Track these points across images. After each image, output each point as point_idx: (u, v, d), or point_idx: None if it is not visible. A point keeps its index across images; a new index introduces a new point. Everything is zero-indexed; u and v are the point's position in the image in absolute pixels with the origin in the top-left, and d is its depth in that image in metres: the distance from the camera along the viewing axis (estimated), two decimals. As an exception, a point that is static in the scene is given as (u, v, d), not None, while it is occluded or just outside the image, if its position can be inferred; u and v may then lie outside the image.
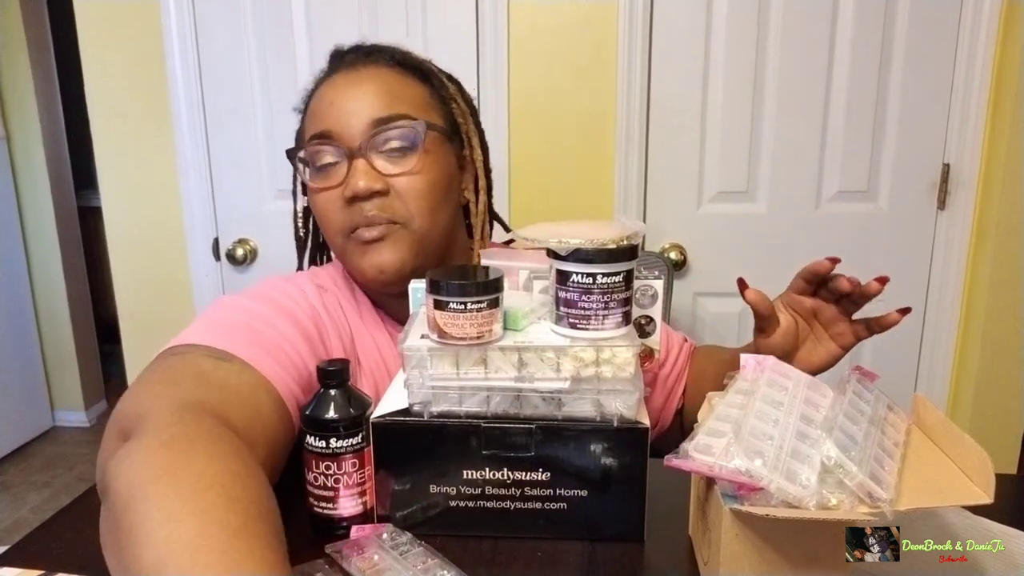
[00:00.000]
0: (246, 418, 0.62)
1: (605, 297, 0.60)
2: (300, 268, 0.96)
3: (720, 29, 1.66)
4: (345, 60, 0.85)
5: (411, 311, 0.72)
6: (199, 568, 0.44)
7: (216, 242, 1.86)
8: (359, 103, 0.79)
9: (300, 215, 0.93)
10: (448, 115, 0.86)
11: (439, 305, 0.59)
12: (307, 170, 0.82)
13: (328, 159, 0.79)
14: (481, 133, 0.91)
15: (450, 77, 0.90)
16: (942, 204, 1.70)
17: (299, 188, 0.91)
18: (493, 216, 0.96)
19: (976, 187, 1.67)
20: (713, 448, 0.53)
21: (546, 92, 1.71)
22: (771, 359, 0.65)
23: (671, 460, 0.54)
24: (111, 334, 2.26)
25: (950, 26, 1.61)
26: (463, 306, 0.59)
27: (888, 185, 1.71)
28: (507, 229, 0.97)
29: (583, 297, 0.60)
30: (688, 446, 0.54)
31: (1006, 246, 1.67)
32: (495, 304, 0.60)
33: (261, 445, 0.61)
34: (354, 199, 0.77)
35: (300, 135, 0.87)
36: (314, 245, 0.96)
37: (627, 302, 0.61)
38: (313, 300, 0.81)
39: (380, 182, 0.77)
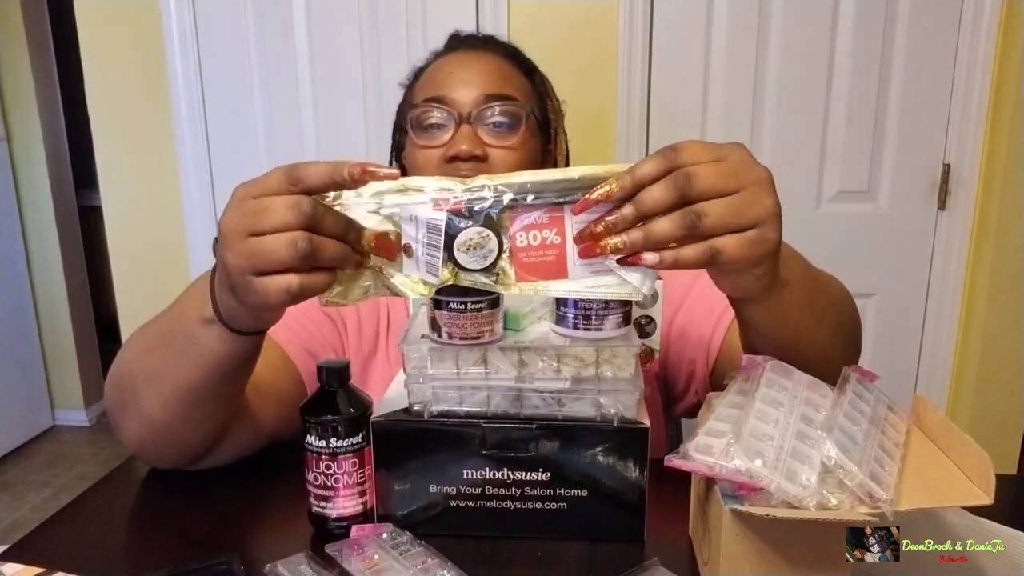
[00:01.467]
0: None
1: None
2: None
3: (720, 29, 1.66)
4: (465, 42, 0.94)
5: (411, 311, 0.72)
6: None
7: (216, 241, 1.86)
8: (475, 76, 0.86)
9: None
10: (543, 111, 0.92)
11: (439, 305, 0.59)
12: (412, 129, 0.87)
13: (436, 121, 0.85)
14: (565, 135, 0.97)
15: (546, 78, 0.97)
16: (942, 204, 1.70)
17: (392, 157, 0.96)
18: None
19: (976, 187, 1.67)
20: (713, 448, 0.53)
21: (546, 92, 1.71)
22: (771, 359, 0.65)
23: (671, 460, 0.54)
24: (111, 333, 2.26)
25: (950, 27, 1.61)
26: (463, 306, 0.59)
27: (888, 185, 1.71)
28: None
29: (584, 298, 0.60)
30: (688, 446, 0.54)
31: (1006, 246, 1.67)
32: (495, 304, 0.60)
33: None
34: (454, 159, 0.82)
35: (404, 105, 0.93)
36: None
37: (627, 302, 0.61)
38: None
39: (481, 149, 0.83)
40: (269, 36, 1.76)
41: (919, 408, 0.64)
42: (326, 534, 0.63)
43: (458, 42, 0.94)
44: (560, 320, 0.62)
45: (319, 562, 0.57)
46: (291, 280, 0.51)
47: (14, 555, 0.61)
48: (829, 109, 1.67)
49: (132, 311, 1.96)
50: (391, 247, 0.55)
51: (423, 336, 0.62)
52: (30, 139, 2.87)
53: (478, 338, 0.60)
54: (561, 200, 0.52)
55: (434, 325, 0.61)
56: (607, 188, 0.51)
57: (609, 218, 0.51)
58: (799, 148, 1.70)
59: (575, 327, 0.61)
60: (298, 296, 0.52)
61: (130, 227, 1.92)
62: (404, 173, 0.91)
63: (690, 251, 0.50)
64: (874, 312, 1.77)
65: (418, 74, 0.94)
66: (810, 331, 0.64)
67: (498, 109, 0.84)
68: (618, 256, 0.52)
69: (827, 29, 1.64)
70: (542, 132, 0.91)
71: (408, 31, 1.71)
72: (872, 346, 1.79)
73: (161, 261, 1.92)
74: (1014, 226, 1.66)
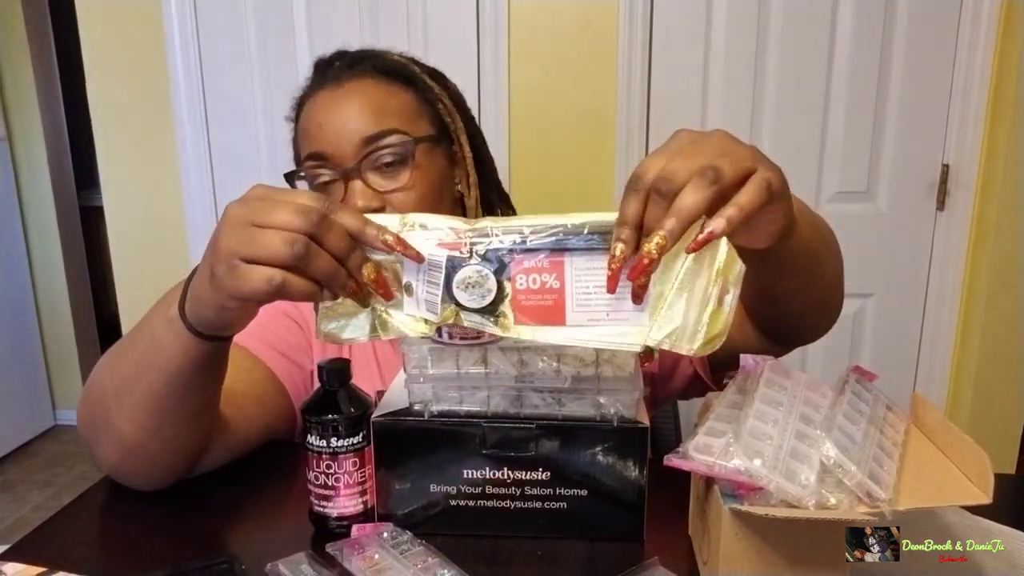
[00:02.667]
0: None
1: (605, 297, 0.60)
2: None
3: (720, 29, 1.66)
4: (328, 75, 0.85)
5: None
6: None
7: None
8: (348, 122, 0.80)
9: None
10: (436, 117, 0.87)
11: (440, 305, 0.59)
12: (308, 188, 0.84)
13: (325, 179, 0.82)
14: (470, 123, 0.91)
15: (433, 74, 0.90)
16: (941, 205, 1.70)
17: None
18: (510, 208, 0.97)
19: (975, 188, 1.67)
20: (713, 448, 0.53)
21: (546, 92, 1.71)
22: (770, 359, 0.65)
23: (671, 460, 0.54)
24: (112, 333, 2.26)
25: (950, 27, 1.61)
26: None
27: (887, 186, 1.71)
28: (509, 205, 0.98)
29: (583, 297, 0.60)
30: (688, 446, 0.54)
31: (1005, 246, 1.67)
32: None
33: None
34: None
35: (295, 147, 0.89)
36: None
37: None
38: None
39: (377, 199, 0.80)
40: (269, 36, 1.76)
41: (918, 408, 0.64)
42: (327, 533, 0.63)
43: (322, 75, 0.86)
44: (560, 320, 0.62)
45: (320, 561, 0.57)
46: (275, 273, 0.50)
47: (16, 554, 0.61)
48: (828, 109, 1.67)
49: (133, 311, 1.96)
50: (386, 284, 0.54)
51: (423, 336, 0.62)
52: (31, 139, 2.87)
53: (478, 338, 0.60)
54: (563, 246, 0.52)
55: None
56: (619, 251, 0.48)
57: (643, 263, 0.47)
58: (798, 148, 1.70)
59: (575, 327, 0.61)
60: (278, 292, 0.51)
61: (131, 227, 1.93)
62: None
63: (747, 193, 0.46)
64: (873, 312, 1.77)
65: (299, 108, 0.88)
66: (824, 254, 0.69)
67: (382, 152, 0.80)
68: (663, 253, 0.46)
69: (826, 29, 1.64)
70: (441, 142, 0.86)
71: (408, 32, 1.71)
72: (871, 346, 1.79)
73: (162, 261, 1.92)
74: (1013, 226, 1.66)
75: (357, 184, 0.80)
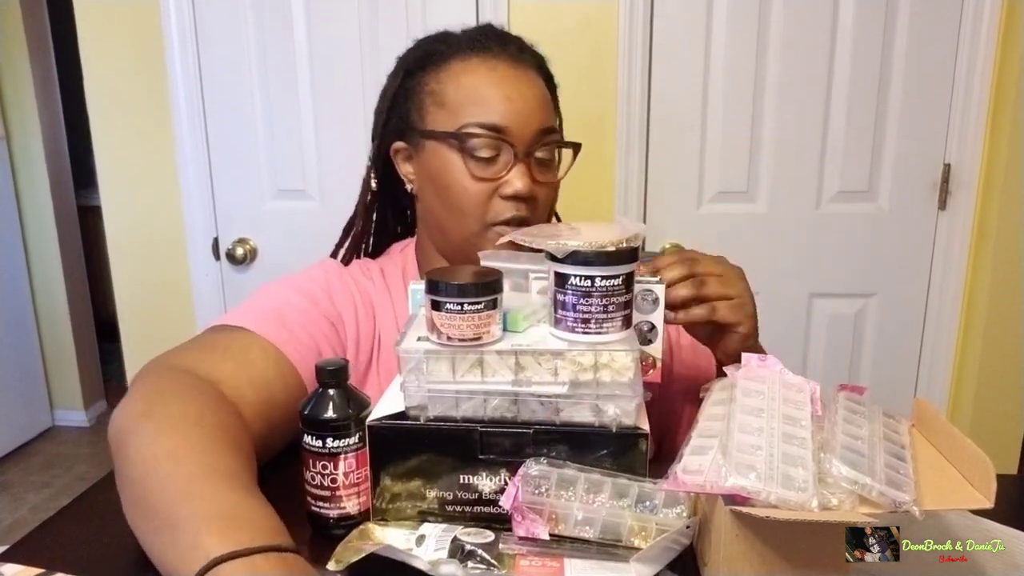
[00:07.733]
0: (232, 370, 0.71)
1: (604, 300, 0.59)
2: (356, 215, 0.96)
3: (720, 29, 1.66)
4: (492, 48, 0.84)
5: (409, 313, 0.71)
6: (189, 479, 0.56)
7: (216, 242, 1.86)
8: (532, 107, 0.82)
9: (372, 164, 0.92)
10: (559, 118, 0.90)
11: (436, 305, 0.59)
12: (463, 154, 0.82)
13: (491, 151, 0.81)
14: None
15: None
16: (943, 204, 1.70)
17: (380, 141, 0.91)
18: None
19: (977, 187, 1.67)
20: (702, 466, 0.53)
21: (546, 92, 1.71)
22: (743, 367, 0.64)
23: (662, 486, 0.54)
24: (111, 333, 2.26)
25: (951, 26, 1.61)
26: (460, 307, 0.58)
27: (889, 185, 1.71)
28: (559, 219, 0.98)
29: (582, 300, 0.59)
30: (676, 468, 0.54)
31: (1007, 246, 1.67)
32: (493, 306, 0.60)
33: (249, 389, 0.71)
34: (514, 197, 0.80)
35: (415, 102, 0.87)
36: (380, 200, 0.95)
37: (627, 305, 0.61)
38: (331, 274, 0.88)
39: (533, 189, 0.81)
40: (269, 36, 1.76)
41: (920, 412, 0.64)
42: (324, 533, 0.63)
43: (497, 45, 0.84)
44: (558, 323, 0.61)
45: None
46: None
47: (14, 555, 0.61)
48: (829, 109, 1.67)
49: (131, 311, 1.96)
50: None
51: (420, 338, 0.62)
52: (29, 138, 2.87)
53: (476, 339, 0.59)
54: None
55: (432, 326, 0.60)
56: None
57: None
58: (799, 148, 1.70)
59: (573, 331, 0.60)
60: None
61: (129, 227, 1.92)
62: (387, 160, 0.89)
63: (698, 310, 0.72)
64: (874, 312, 1.77)
65: (428, 60, 0.87)
66: None
67: (547, 147, 0.83)
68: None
69: (827, 29, 1.63)
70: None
71: (408, 32, 1.71)
72: (872, 346, 1.79)
73: (160, 261, 1.92)
74: (1015, 226, 1.66)
75: (523, 167, 0.81)
